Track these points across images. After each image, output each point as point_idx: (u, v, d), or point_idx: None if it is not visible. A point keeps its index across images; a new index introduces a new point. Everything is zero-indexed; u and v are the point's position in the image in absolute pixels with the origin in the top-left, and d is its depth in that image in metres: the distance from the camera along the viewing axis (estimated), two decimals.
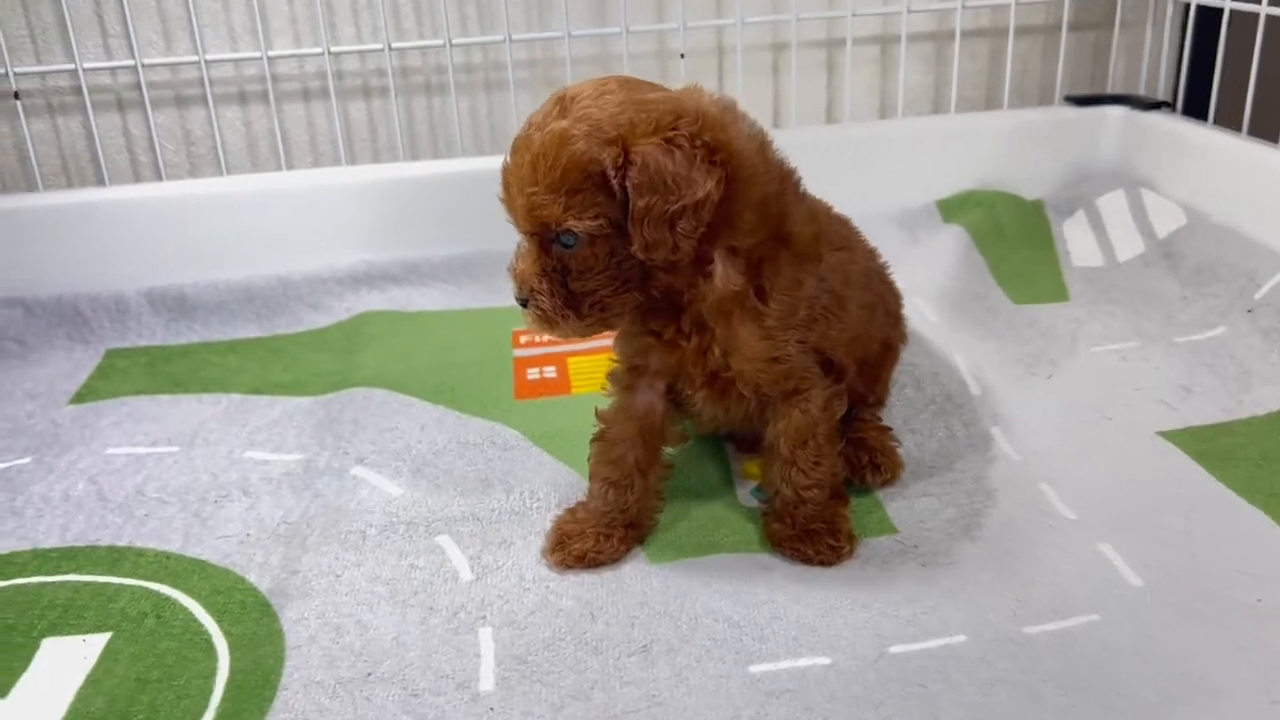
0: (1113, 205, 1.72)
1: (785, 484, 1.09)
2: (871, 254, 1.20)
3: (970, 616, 0.97)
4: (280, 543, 1.15)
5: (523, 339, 1.57)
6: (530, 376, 1.45)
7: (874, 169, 1.80)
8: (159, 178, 1.84)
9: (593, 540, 1.08)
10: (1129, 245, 1.64)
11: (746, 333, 1.02)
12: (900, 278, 1.28)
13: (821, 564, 1.06)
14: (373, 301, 1.69)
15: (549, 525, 1.14)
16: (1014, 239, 1.71)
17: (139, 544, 1.17)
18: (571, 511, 1.13)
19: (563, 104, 0.95)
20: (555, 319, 0.99)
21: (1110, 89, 1.93)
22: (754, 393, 1.06)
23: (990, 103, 1.96)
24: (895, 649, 0.94)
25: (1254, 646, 0.90)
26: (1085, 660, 0.90)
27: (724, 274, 1.00)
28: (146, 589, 1.10)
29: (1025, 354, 1.41)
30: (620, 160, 0.92)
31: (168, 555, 1.15)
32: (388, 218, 1.75)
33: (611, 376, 1.12)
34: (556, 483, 1.22)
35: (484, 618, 1.01)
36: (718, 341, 1.03)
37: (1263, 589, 0.97)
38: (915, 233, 1.75)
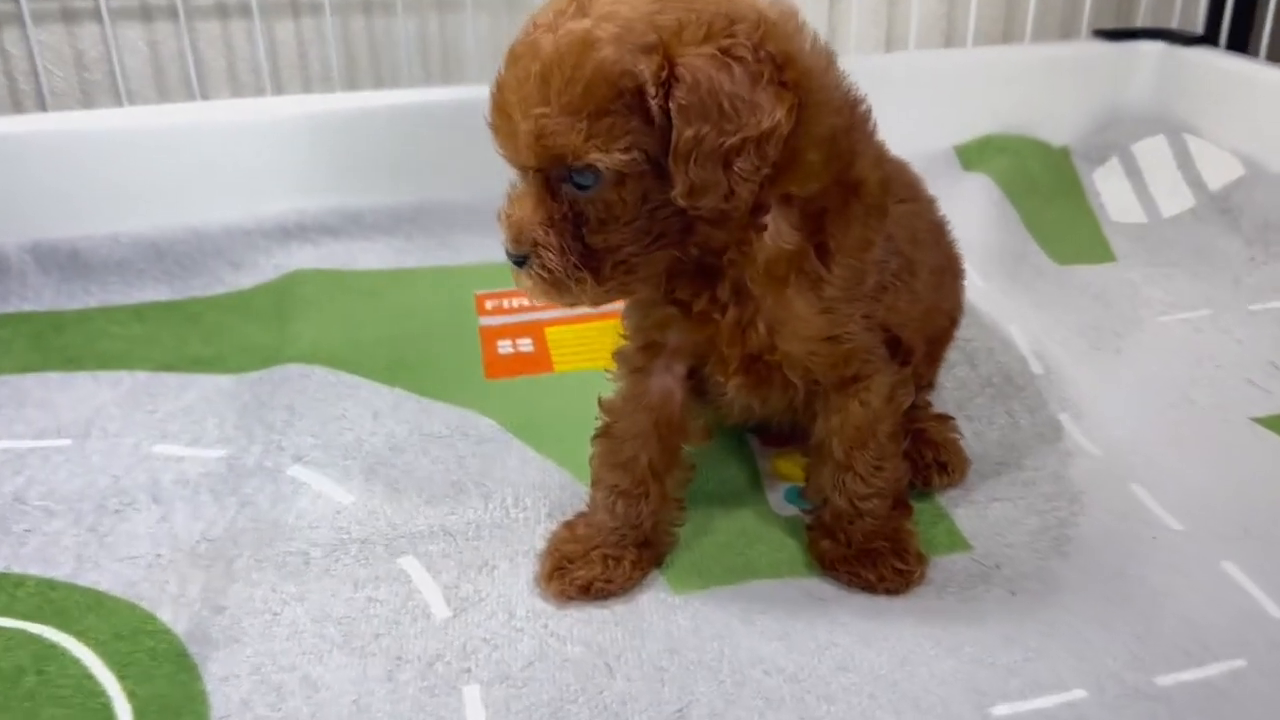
0: (1152, 153, 1.53)
1: (838, 493, 0.88)
2: (934, 205, 0.99)
3: (1085, 663, 0.78)
4: (199, 567, 0.92)
5: (489, 304, 1.33)
6: (502, 350, 1.22)
7: (881, 109, 1.58)
8: (42, 108, 1.55)
9: (600, 565, 0.87)
10: (1176, 199, 1.46)
11: (803, 304, 0.80)
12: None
13: (888, 592, 0.86)
14: (306, 258, 1.43)
15: (542, 543, 0.92)
16: (1046, 190, 1.52)
17: (16, 569, 0.93)
18: (570, 527, 0.91)
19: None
20: (565, 282, 0.77)
21: (1140, 22, 1.74)
22: (804, 380, 0.85)
23: (1010, 35, 1.76)
24: (1000, 710, 0.74)
25: None
26: None
27: (777, 228, 0.78)
28: (25, 632, 0.86)
29: (1084, 324, 1.22)
30: (663, 74, 0.69)
31: (53, 585, 0.91)
32: (321, 159, 1.49)
33: (619, 356, 0.90)
34: (545, 485, 1.00)
35: (468, 671, 0.80)
36: (762, 314, 0.81)
37: None
38: (935, 181, 1.52)
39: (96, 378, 1.21)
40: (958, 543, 0.92)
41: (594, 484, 0.91)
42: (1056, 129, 1.64)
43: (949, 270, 0.99)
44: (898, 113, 1.61)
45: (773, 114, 0.70)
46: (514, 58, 0.73)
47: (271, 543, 0.93)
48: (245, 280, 1.41)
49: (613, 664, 0.79)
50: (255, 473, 1.02)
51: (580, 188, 0.74)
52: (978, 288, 1.27)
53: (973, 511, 0.95)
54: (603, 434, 0.90)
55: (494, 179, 1.55)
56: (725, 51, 0.70)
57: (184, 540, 0.96)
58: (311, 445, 1.06)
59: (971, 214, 1.44)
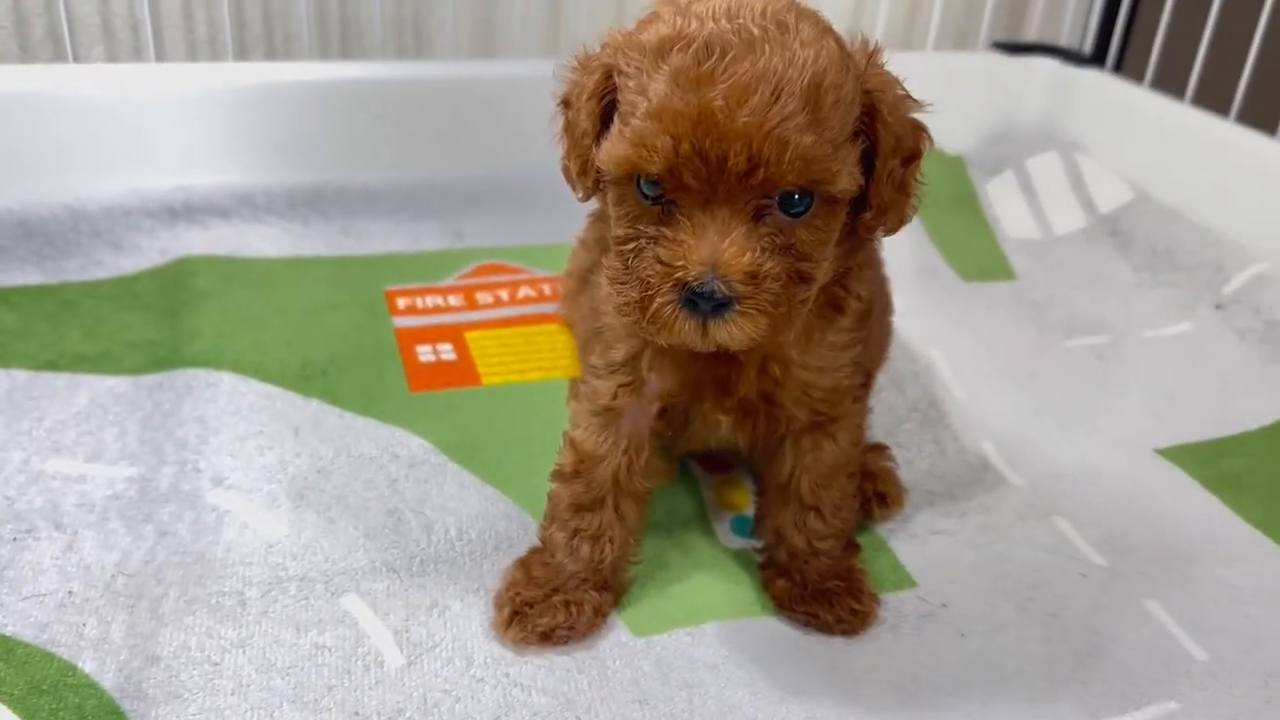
0: (1045, 169, 1.60)
1: (799, 532, 0.89)
2: None
3: (1036, 709, 0.82)
4: (120, 606, 0.85)
5: (401, 302, 1.27)
6: (423, 358, 1.17)
7: None
8: None
9: (562, 612, 0.85)
10: (1067, 217, 1.53)
11: (825, 342, 0.82)
12: None
13: (844, 633, 0.88)
14: (194, 242, 1.34)
15: (491, 579, 0.90)
16: (945, 201, 1.56)
17: None
18: (525, 567, 0.89)
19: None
20: (793, 314, 0.72)
21: (1030, 36, 1.80)
22: (806, 415, 0.85)
23: (909, 43, 1.79)
24: None
25: None
26: None
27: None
28: None
29: (998, 349, 1.26)
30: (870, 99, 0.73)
31: None
32: (211, 133, 1.40)
33: (587, 393, 0.87)
34: (488, 515, 0.97)
35: None
36: (779, 353, 0.81)
37: None
38: None
39: None
40: (903, 579, 0.94)
41: (554, 524, 0.88)
42: (952, 138, 1.68)
43: (887, 292, 1.01)
44: None
45: (924, 139, 0.76)
46: (724, 62, 0.67)
47: (201, 580, 0.87)
48: (127, 264, 1.30)
49: (583, 717, 0.79)
50: (171, 497, 0.95)
51: (793, 214, 0.70)
52: (898, 308, 1.30)
53: (914, 545, 0.98)
54: (570, 476, 0.87)
55: (396, 163, 1.51)
56: (882, 69, 0.75)
57: (97, 574, 0.88)
58: (231, 467, 0.99)
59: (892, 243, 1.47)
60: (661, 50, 0.69)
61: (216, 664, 0.81)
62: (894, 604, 0.91)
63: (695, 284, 0.68)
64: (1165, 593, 0.94)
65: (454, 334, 1.22)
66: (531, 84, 1.50)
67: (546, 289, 1.31)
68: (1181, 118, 1.50)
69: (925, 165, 1.66)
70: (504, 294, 1.30)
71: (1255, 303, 1.28)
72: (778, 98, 0.67)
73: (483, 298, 1.29)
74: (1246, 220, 1.37)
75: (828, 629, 0.88)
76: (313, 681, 0.80)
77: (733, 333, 0.70)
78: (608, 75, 0.75)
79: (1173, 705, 0.83)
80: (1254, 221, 1.36)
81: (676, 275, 0.69)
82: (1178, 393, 1.21)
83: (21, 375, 1.11)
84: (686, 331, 0.70)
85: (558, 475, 0.88)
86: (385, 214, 1.42)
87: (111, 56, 1.47)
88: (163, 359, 1.14)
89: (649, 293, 0.70)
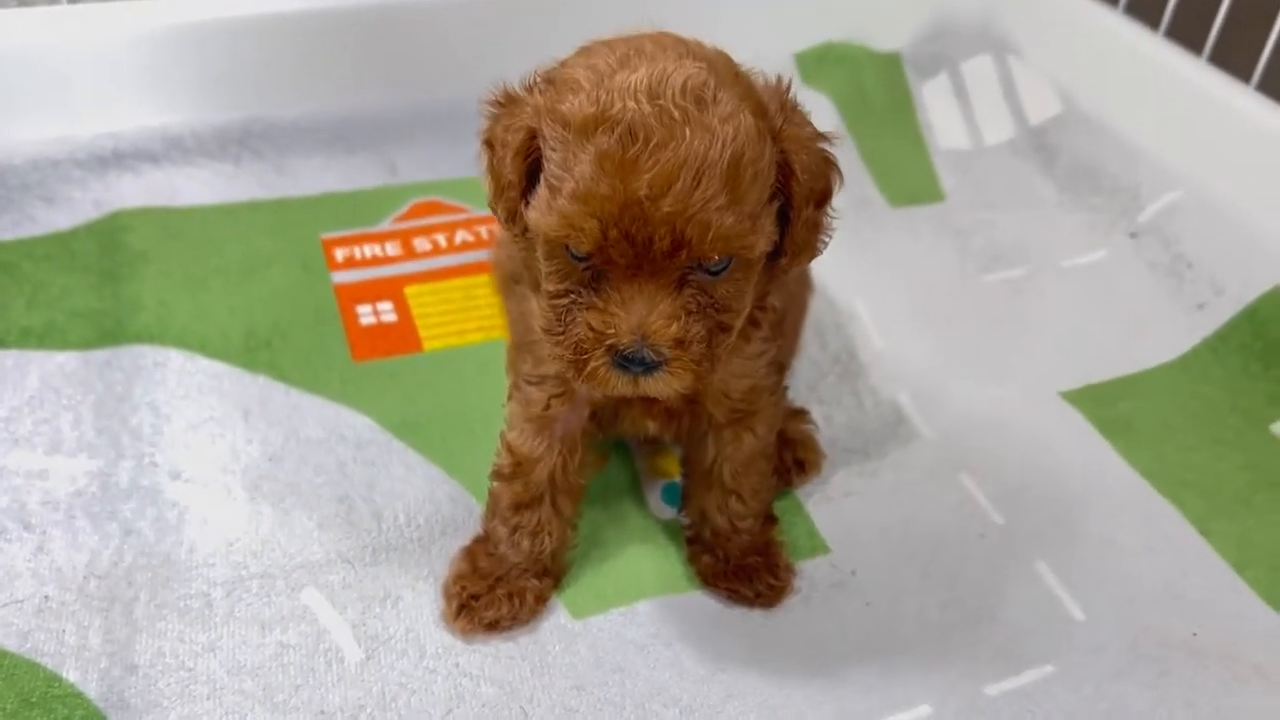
0: (979, 74, 1.60)
1: (721, 514, 0.98)
2: None
3: (929, 677, 0.93)
4: (95, 610, 0.93)
5: (339, 253, 1.30)
6: (364, 320, 1.21)
7: (720, 11, 1.58)
8: None
9: (505, 605, 0.94)
10: (997, 126, 1.56)
11: (743, 353, 0.88)
12: None
13: (763, 607, 0.98)
14: (128, 191, 1.33)
15: (439, 564, 0.98)
16: (879, 110, 1.57)
17: None
18: (470, 557, 0.97)
19: (675, 60, 0.74)
20: (708, 371, 0.77)
21: None
22: (726, 414, 0.92)
23: None
24: None
25: (1200, 700, 0.91)
26: None
27: None
28: None
29: (919, 289, 1.32)
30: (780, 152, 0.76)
31: None
32: (133, 76, 1.37)
33: (522, 401, 0.93)
34: (434, 498, 1.04)
35: None
36: None
37: (1195, 616, 0.98)
38: None
39: None
40: (818, 545, 1.04)
41: (496, 518, 0.96)
42: (888, 33, 1.67)
43: (809, 283, 1.06)
44: (738, 15, 1.63)
45: (834, 177, 0.82)
46: (638, 137, 0.70)
47: (168, 583, 0.95)
48: (61, 219, 1.30)
49: (526, 707, 0.88)
50: (132, 493, 1.01)
51: (713, 274, 0.75)
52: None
53: (829, 508, 1.07)
54: (509, 476, 0.94)
55: (326, 95, 1.49)
56: (796, 114, 0.78)
57: (69, 576, 0.95)
58: (186, 457, 1.04)
59: None
60: (585, 130, 0.72)
61: (190, 669, 0.89)
62: (809, 572, 1.01)
63: (626, 350, 0.74)
64: (1053, 552, 1.04)
65: (393, 289, 1.25)
66: (460, 9, 1.49)
67: (483, 232, 1.34)
68: (1114, 27, 1.51)
69: (860, 70, 1.66)
70: (441, 239, 1.33)
71: (1165, 234, 1.34)
72: (699, 182, 0.71)
73: (420, 244, 1.32)
74: (1168, 142, 1.41)
75: (748, 603, 0.98)
76: (280, 682, 0.89)
77: (661, 387, 0.77)
78: (531, 136, 0.77)
79: (1049, 669, 0.94)
80: (1175, 144, 1.40)
81: (608, 343, 0.75)
82: (1087, 329, 1.28)
83: None
84: (618, 385, 0.77)
85: (497, 475, 0.95)
86: (318, 149, 1.42)
87: (25, 1, 1.41)
88: (108, 331, 1.17)
89: (583, 356, 0.76)
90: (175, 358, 1.14)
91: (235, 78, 1.40)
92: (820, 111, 1.54)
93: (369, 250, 1.30)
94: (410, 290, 1.26)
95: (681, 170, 0.70)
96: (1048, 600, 1.00)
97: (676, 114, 0.71)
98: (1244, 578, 1.02)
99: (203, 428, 1.08)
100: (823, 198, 0.81)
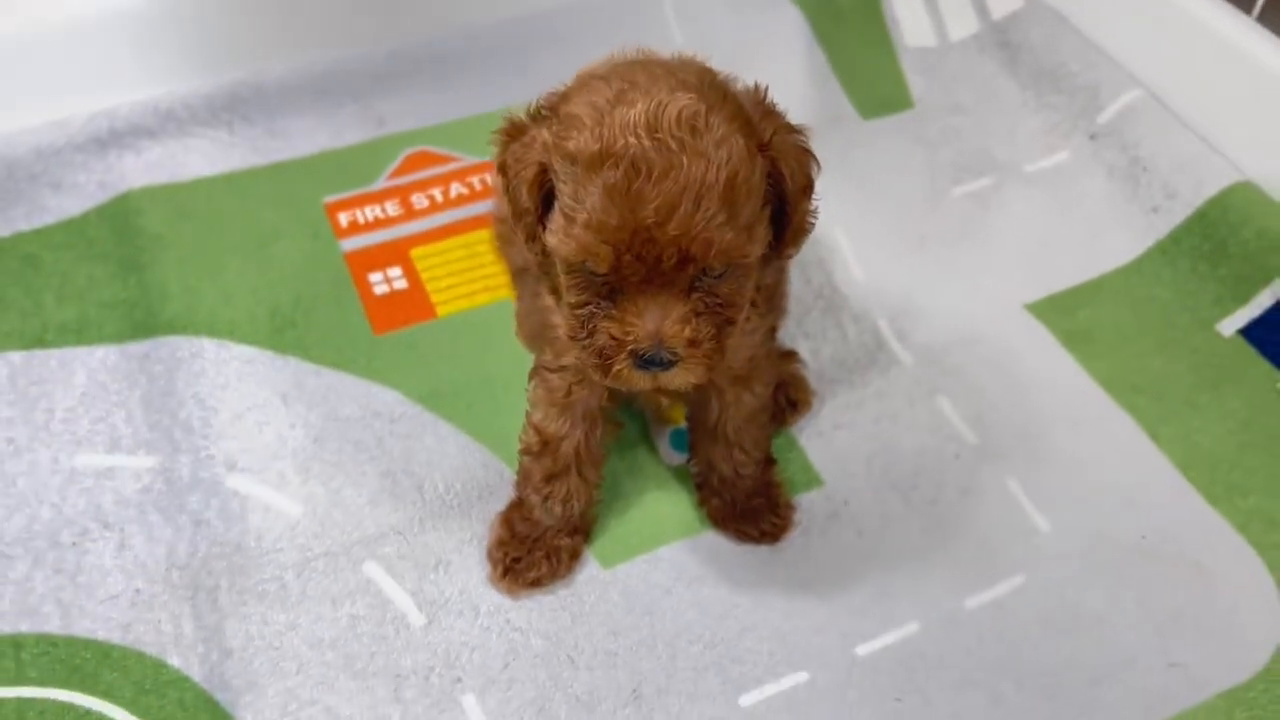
0: None
1: (725, 464, 1.10)
2: None
3: (916, 595, 1.07)
4: (182, 599, 1.05)
5: (343, 218, 1.37)
6: (378, 290, 1.30)
7: None
8: None
9: (544, 564, 1.07)
10: (960, 21, 1.60)
11: (746, 327, 0.97)
12: None
13: (768, 543, 1.11)
14: (130, 170, 1.38)
15: (479, 527, 1.11)
16: (847, 11, 1.61)
17: (6, 629, 1.03)
18: (508, 524, 1.09)
19: (667, 93, 0.81)
20: (718, 361, 0.88)
21: None
22: (728, 380, 1.04)
23: None
24: (861, 650, 1.04)
25: (1150, 599, 1.07)
26: (1022, 640, 1.04)
27: None
28: (55, 701, 0.99)
29: (892, 211, 1.40)
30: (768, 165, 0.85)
31: (53, 641, 1.03)
32: (115, 51, 1.40)
33: (545, 386, 1.03)
34: (467, 466, 1.16)
35: (459, 680, 1.01)
36: None
37: (1143, 520, 1.13)
38: (743, 12, 1.61)
39: None
40: (812, 479, 1.16)
41: (528, 488, 1.07)
42: None
43: None
44: None
45: (814, 167, 0.90)
46: (640, 167, 0.79)
47: (244, 571, 1.07)
48: (71, 205, 1.36)
49: (573, 655, 1.03)
50: (194, 486, 1.12)
51: (716, 276, 0.85)
52: None
53: (820, 442, 1.19)
54: (538, 453, 1.05)
55: (304, 49, 1.51)
56: (772, 111, 0.87)
57: (152, 569, 1.07)
58: (239, 449, 1.15)
59: (783, 65, 1.54)
60: (592, 165, 0.81)
61: (277, 648, 1.02)
62: (806, 505, 1.14)
63: (645, 354, 0.85)
64: (1022, 468, 1.17)
65: (400, 253, 1.33)
66: None
67: (475, 182, 1.40)
68: None
69: None
70: (437, 194, 1.39)
71: (1124, 137, 1.42)
72: (699, 205, 0.80)
73: (418, 201, 1.38)
74: (1127, 41, 1.47)
75: (754, 541, 1.11)
76: (357, 651, 1.02)
77: (677, 379, 0.88)
78: (543, 169, 0.86)
79: (1019, 579, 1.09)
80: (1134, 44, 1.46)
81: (629, 348, 0.85)
82: (1049, 238, 1.38)
83: (15, 356, 1.22)
84: (639, 380, 0.88)
85: (527, 452, 1.07)
86: (305, 107, 1.46)
87: None
88: (140, 322, 1.25)
89: (606, 360, 0.87)
90: (209, 347, 1.23)
91: (215, 42, 1.42)
92: (791, 27, 1.59)
93: (370, 213, 1.37)
94: (416, 253, 1.33)
95: (682, 196, 0.79)
96: (1017, 514, 1.13)
97: (674, 145, 0.79)
98: (1187, 478, 1.15)
99: (247, 416, 1.18)
100: (808, 187, 0.90)
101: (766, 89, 0.91)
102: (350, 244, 1.34)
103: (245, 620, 1.04)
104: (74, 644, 1.02)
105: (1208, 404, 1.21)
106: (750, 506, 1.12)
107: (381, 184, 1.41)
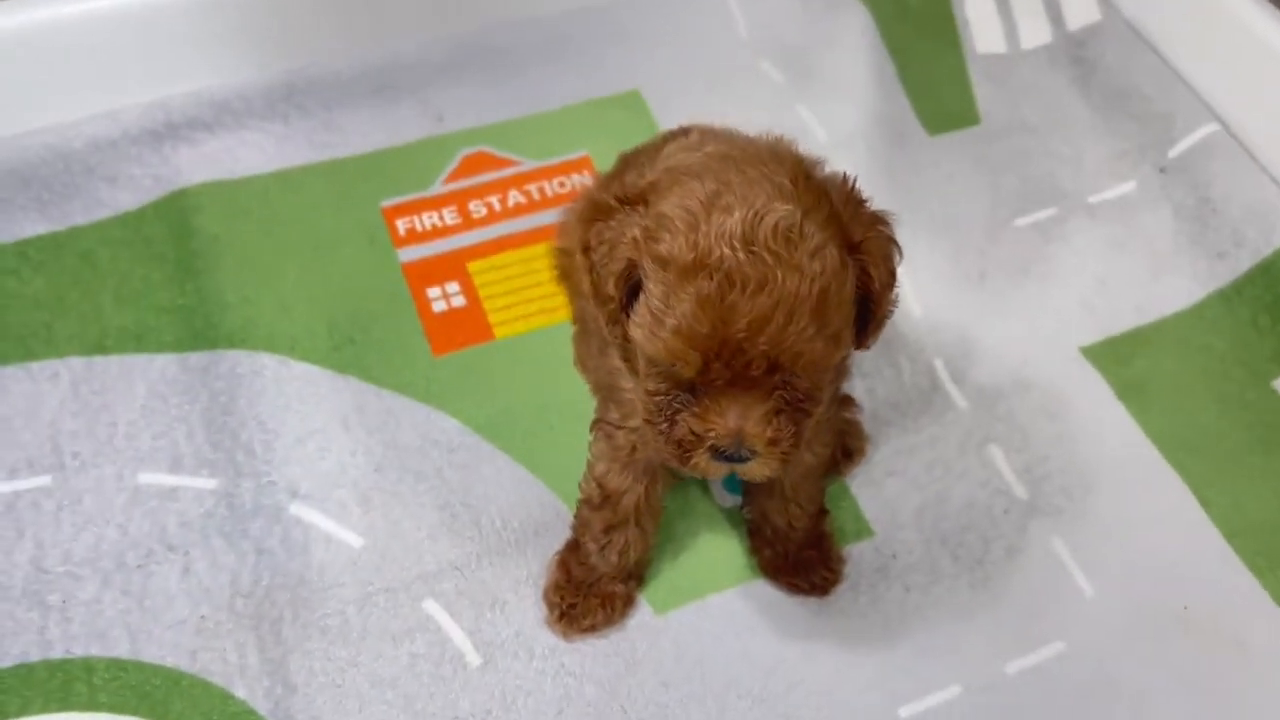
0: None
1: (780, 516, 1.12)
2: None
3: (958, 657, 1.10)
4: (246, 628, 1.08)
5: (401, 226, 1.36)
6: (436, 307, 1.30)
7: None
8: None
9: (600, 612, 1.10)
10: (1035, 29, 1.55)
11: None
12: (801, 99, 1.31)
13: (818, 595, 1.14)
14: (186, 165, 1.37)
15: (535, 565, 1.13)
16: (917, 10, 1.56)
17: (78, 651, 1.07)
18: (564, 568, 1.11)
19: (764, 199, 0.81)
20: (796, 454, 0.89)
21: None
22: None
23: None
24: (904, 712, 1.07)
25: (1190, 676, 1.08)
26: (1062, 710, 1.07)
27: None
28: None
29: (954, 242, 1.38)
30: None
31: (123, 666, 1.06)
32: (168, 41, 1.37)
33: (608, 441, 1.04)
34: (525, 501, 1.18)
35: None
36: None
37: (1187, 590, 1.15)
38: (810, 8, 1.56)
39: (30, 371, 1.22)
40: (863, 529, 1.18)
41: (587, 536, 1.09)
42: None
43: None
44: None
45: (898, 257, 0.90)
46: (734, 278, 0.79)
47: (306, 602, 1.10)
48: (126, 199, 1.35)
49: (625, 705, 1.06)
50: (256, 513, 1.14)
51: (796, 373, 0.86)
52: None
53: (872, 489, 1.21)
54: (598, 505, 1.07)
55: (362, 41, 1.49)
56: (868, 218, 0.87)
57: (217, 595, 1.10)
58: (300, 475, 1.17)
59: (845, 68, 1.51)
60: (686, 274, 0.81)
61: (340, 686, 1.06)
62: (855, 556, 1.16)
63: (725, 450, 0.87)
64: (1069, 527, 1.18)
65: (457, 265, 1.33)
66: None
67: (534, 192, 1.39)
68: None
69: None
70: (495, 202, 1.38)
71: (1195, 174, 1.39)
72: (791, 319, 0.81)
73: (475, 209, 1.37)
74: (1208, 70, 1.43)
75: (804, 593, 1.14)
76: (416, 691, 1.06)
77: (754, 471, 0.90)
78: (632, 265, 0.86)
79: (1061, 645, 1.11)
80: (1215, 73, 1.42)
81: (709, 443, 0.87)
82: (1109, 276, 1.36)
83: (76, 363, 1.23)
84: (715, 470, 0.90)
85: (588, 504, 1.08)
86: (362, 101, 1.43)
87: None
88: (199, 332, 1.26)
89: (684, 451, 0.89)
90: (269, 364, 1.24)
91: (271, 32, 1.40)
92: (857, 26, 1.55)
93: (428, 220, 1.36)
94: (474, 267, 1.33)
95: (775, 310, 0.80)
96: (1062, 577, 1.15)
97: (769, 259, 0.80)
98: (1233, 546, 1.17)
99: (309, 441, 1.19)
100: (892, 280, 0.90)
101: (855, 180, 0.90)
102: (408, 254, 1.34)
103: (309, 655, 1.07)
104: (144, 670, 1.06)
105: (1259, 467, 1.22)
106: (802, 559, 1.14)
107: (438, 188, 1.39)
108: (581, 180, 1.40)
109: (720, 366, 0.82)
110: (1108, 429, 1.26)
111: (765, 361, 0.82)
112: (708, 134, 1.04)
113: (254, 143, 1.40)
